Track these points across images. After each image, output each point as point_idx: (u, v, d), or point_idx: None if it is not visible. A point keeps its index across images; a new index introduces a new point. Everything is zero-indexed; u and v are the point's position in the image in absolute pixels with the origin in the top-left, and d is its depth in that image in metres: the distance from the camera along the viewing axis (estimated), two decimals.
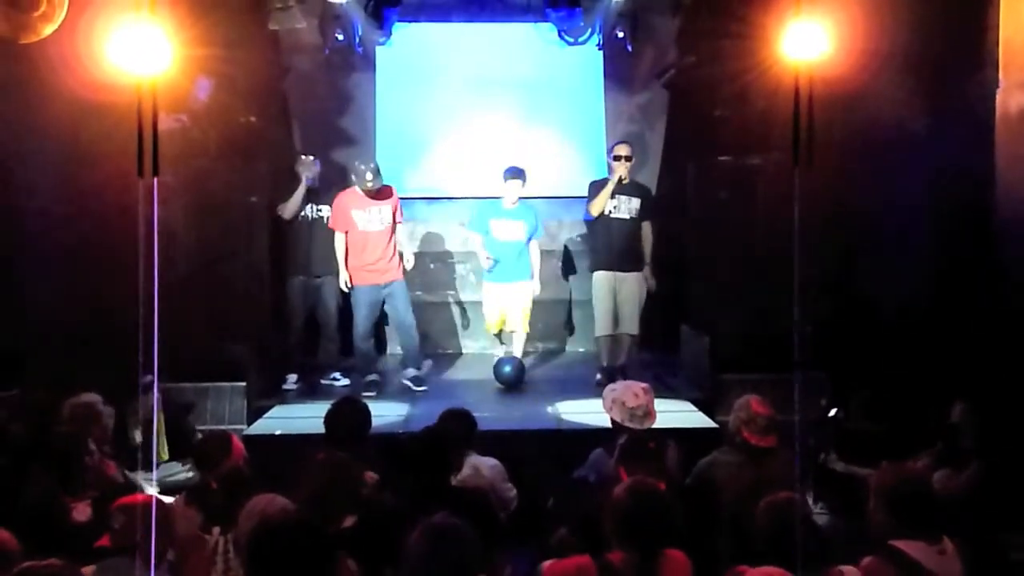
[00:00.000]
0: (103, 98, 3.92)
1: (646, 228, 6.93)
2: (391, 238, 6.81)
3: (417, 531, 2.61)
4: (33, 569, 2.59)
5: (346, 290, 6.86)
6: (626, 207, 6.83)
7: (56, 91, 5.02)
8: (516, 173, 7.00)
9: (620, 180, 6.73)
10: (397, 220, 6.85)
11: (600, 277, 6.92)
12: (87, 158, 5.54)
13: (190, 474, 4.70)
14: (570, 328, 8.71)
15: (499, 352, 7.29)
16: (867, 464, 4.83)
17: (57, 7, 4.26)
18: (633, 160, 6.85)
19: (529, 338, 7.43)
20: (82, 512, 3.34)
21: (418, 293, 8.13)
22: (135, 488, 3.92)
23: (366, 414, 4.48)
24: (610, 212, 6.82)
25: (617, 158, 6.78)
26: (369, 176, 6.63)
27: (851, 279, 6.35)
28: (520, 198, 7.07)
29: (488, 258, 7.01)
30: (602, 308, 6.88)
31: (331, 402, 4.55)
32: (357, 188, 6.77)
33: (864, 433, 5.10)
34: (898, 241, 5.92)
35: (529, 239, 7.12)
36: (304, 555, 2.70)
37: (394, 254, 6.84)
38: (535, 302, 7.20)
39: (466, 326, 8.69)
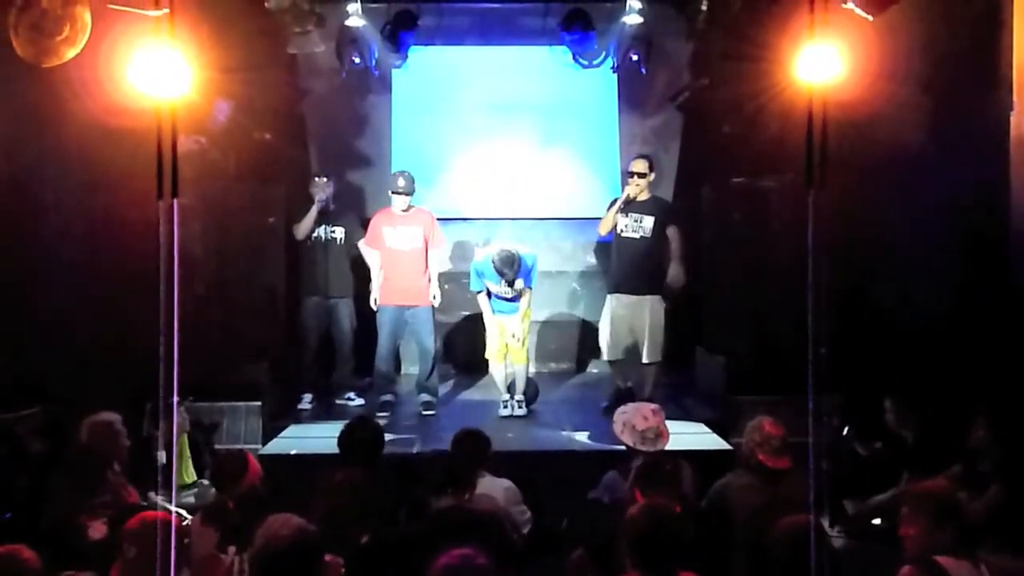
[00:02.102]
0: (124, 121, 3.97)
1: (672, 233, 6.63)
2: (421, 260, 6.84)
3: (436, 567, 2.60)
4: None
5: (374, 307, 6.90)
6: (637, 226, 6.63)
7: (78, 114, 5.11)
8: (511, 268, 6.44)
9: (628, 198, 6.60)
10: (432, 243, 6.89)
11: (610, 300, 6.80)
12: (107, 180, 5.62)
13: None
14: (584, 349, 8.69)
15: (504, 407, 6.80)
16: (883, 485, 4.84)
17: (80, 31, 4.32)
18: (649, 177, 6.66)
19: (541, 359, 7.36)
20: (97, 530, 3.36)
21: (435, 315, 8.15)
22: (154, 508, 3.95)
23: (379, 434, 4.50)
24: (621, 231, 6.68)
25: (629, 174, 6.68)
26: (401, 182, 6.75)
27: (866, 300, 6.33)
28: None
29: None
30: (608, 331, 6.72)
31: (345, 422, 4.57)
32: (392, 207, 6.86)
33: (880, 454, 5.08)
34: (913, 262, 5.91)
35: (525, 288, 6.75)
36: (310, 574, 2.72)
37: (423, 277, 6.86)
38: (546, 324, 7.05)
39: (482, 347, 8.69)
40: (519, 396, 6.82)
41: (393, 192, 6.84)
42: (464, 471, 3.98)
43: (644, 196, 6.67)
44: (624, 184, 6.84)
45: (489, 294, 6.79)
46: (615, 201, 6.75)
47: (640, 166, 6.67)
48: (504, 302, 6.80)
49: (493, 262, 6.49)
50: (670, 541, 2.90)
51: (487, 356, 6.95)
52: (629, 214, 6.65)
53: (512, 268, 6.45)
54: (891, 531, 3.94)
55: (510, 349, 6.79)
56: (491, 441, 4.42)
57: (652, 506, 3.06)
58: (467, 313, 8.72)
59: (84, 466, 4.20)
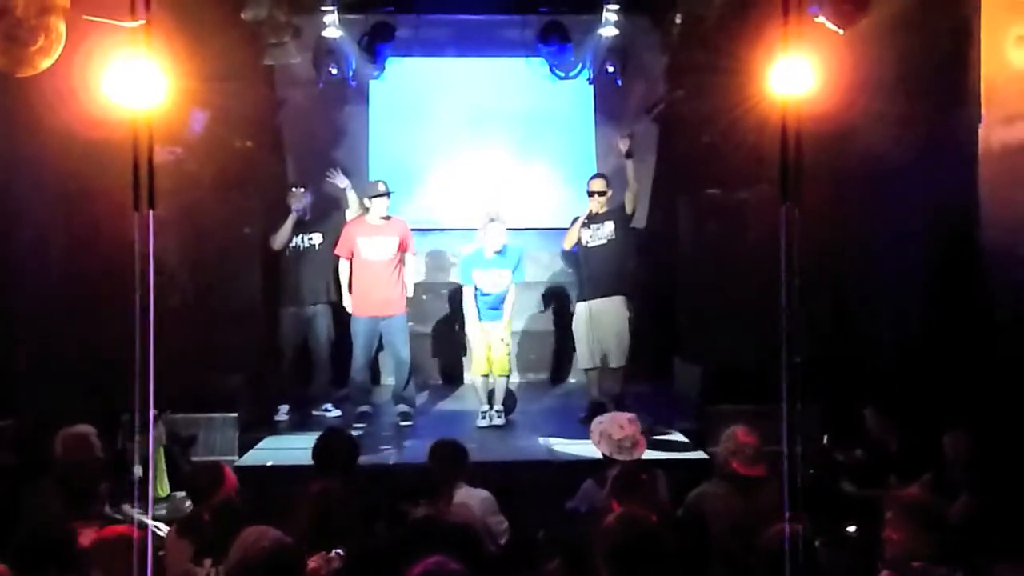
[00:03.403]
0: (99, 132, 3.95)
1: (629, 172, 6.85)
2: (395, 269, 6.85)
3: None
4: None
5: (350, 311, 6.89)
6: (598, 234, 6.88)
7: (52, 125, 5.07)
8: (493, 218, 6.80)
9: (590, 214, 6.86)
10: (407, 251, 6.92)
11: (580, 308, 6.98)
12: (83, 191, 5.59)
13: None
14: (560, 359, 8.71)
15: (483, 418, 6.80)
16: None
17: (54, 42, 4.28)
18: (607, 194, 6.90)
19: (520, 369, 7.39)
20: (88, 537, 3.34)
21: (411, 324, 8.14)
22: (128, 521, 3.92)
23: (354, 445, 4.49)
24: (587, 242, 6.92)
25: (590, 193, 6.91)
26: (382, 186, 6.80)
27: (840, 310, 6.40)
28: (504, 244, 6.82)
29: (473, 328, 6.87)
30: (583, 340, 6.89)
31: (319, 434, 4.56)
32: (366, 217, 6.87)
33: (854, 462, 5.13)
34: (886, 272, 5.97)
35: (512, 282, 6.87)
36: None
37: (397, 286, 6.87)
38: (525, 333, 7.12)
39: (458, 357, 8.70)
40: (498, 406, 6.84)
41: (374, 196, 6.82)
42: (441, 481, 3.99)
43: (604, 210, 6.92)
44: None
45: (475, 297, 6.84)
46: (577, 218, 6.99)
47: (599, 185, 6.94)
48: (489, 304, 6.83)
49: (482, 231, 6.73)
50: (646, 550, 2.92)
51: (471, 371, 6.99)
52: (591, 225, 6.91)
53: (497, 216, 6.71)
54: (866, 537, 3.99)
55: (493, 359, 6.81)
56: (468, 451, 4.43)
57: (628, 515, 3.08)
58: (444, 323, 8.75)
59: (75, 475, 4.19)
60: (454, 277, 8.76)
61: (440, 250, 8.90)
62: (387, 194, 6.86)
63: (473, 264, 6.88)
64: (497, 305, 6.88)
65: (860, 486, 4.93)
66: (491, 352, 6.82)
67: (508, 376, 6.94)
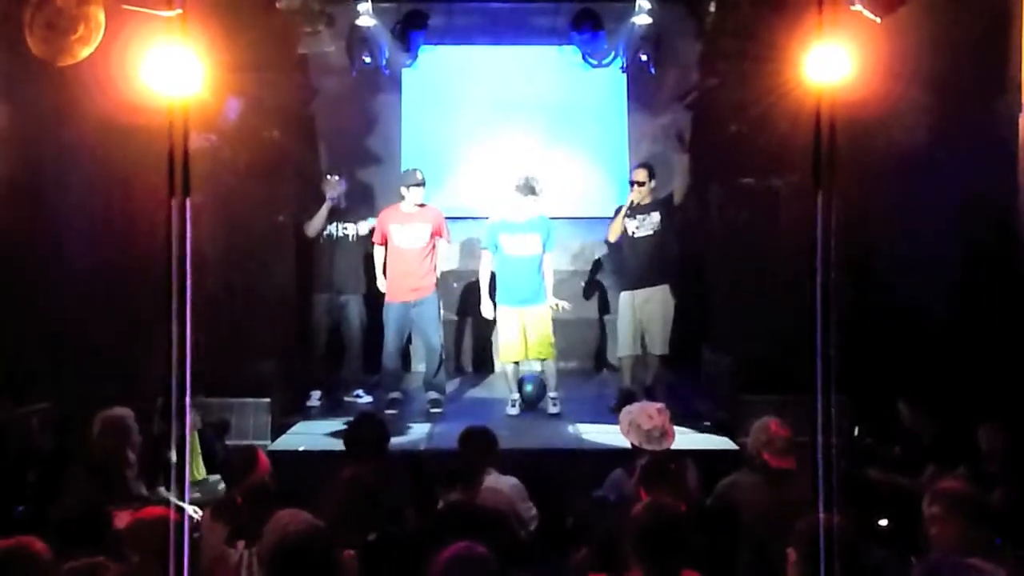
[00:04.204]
0: (137, 119, 4.01)
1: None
2: (428, 256, 6.88)
3: (439, 561, 2.63)
4: (77, 569, 2.66)
5: (385, 293, 6.92)
6: (645, 224, 6.86)
7: (91, 112, 5.15)
8: (527, 188, 6.69)
9: (632, 204, 6.84)
10: (440, 238, 6.94)
11: (624, 297, 6.98)
12: (120, 177, 5.67)
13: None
14: (592, 347, 8.71)
15: (513, 406, 6.84)
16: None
17: (94, 30, 4.35)
18: (650, 184, 6.88)
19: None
20: (123, 520, 3.41)
21: (442, 312, 8.18)
22: (164, 504, 3.98)
23: (384, 430, 4.53)
24: (633, 232, 6.90)
25: (631, 183, 6.91)
26: (419, 175, 6.79)
27: (875, 301, 6.33)
28: (537, 213, 6.79)
29: (491, 306, 6.83)
30: (625, 328, 6.90)
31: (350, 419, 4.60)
32: (400, 205, 6.89)
33: (887, 455, 5.09)
34: (921, 262, 5.90)
35: (543, 252, 6.78)
36: (322, 570, 2.74)
37: (428, 273, 6.90)
38: (555, 322, 7.05)
39: (489, 345, 8.72)
40: (553, 393, 6.85)
41: (409, 185, 6.83)
42: (471, 468, 4.01)
43: (647, 200, 6.89)
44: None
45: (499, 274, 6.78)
46: (620, 208, 6.96)
47: (641, 175, 6.92)
48: (517, 277, 6.70)
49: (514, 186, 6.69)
50: (674, 540, 2.92)
51: (500, 358, 6.96)
52: (636, 215, 6.87)
53: (536, 187, 6.65)
54: (900, 531, 3.96)
55: (531, 343, 6.69)
56: (498, 438, 4.45)
57: (657, 505, 3.08)
58: (475, 311, 8.77)
59: (109, 457, 4.26)
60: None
61: (472, 238, 8.91)
62: (421, 183, 6.86)
63: (501, 229, 6.79)
64: (529, 283, 6.74)
65: (893, 478, 4.90)
66: (527, 335, 6.71)
67: (553, 361, 6.85)
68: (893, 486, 4.82)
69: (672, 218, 6.92)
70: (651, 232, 6.86)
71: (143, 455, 4.66)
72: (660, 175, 7.06)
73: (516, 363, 6.86)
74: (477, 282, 7.03)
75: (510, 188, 6.84)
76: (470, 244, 8.89)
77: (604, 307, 8.60)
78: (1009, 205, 4.89)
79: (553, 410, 6.79)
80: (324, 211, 7.06)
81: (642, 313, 6.84)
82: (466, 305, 8.73)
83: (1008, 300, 4.94)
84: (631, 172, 7.03)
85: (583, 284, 8.73)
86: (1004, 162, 4.89)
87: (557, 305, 6.86)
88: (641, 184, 6.85)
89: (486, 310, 6.93)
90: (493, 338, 8.45)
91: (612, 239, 7.10)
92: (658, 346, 6.84)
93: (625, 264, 7.13)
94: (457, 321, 8.63)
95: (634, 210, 6.85)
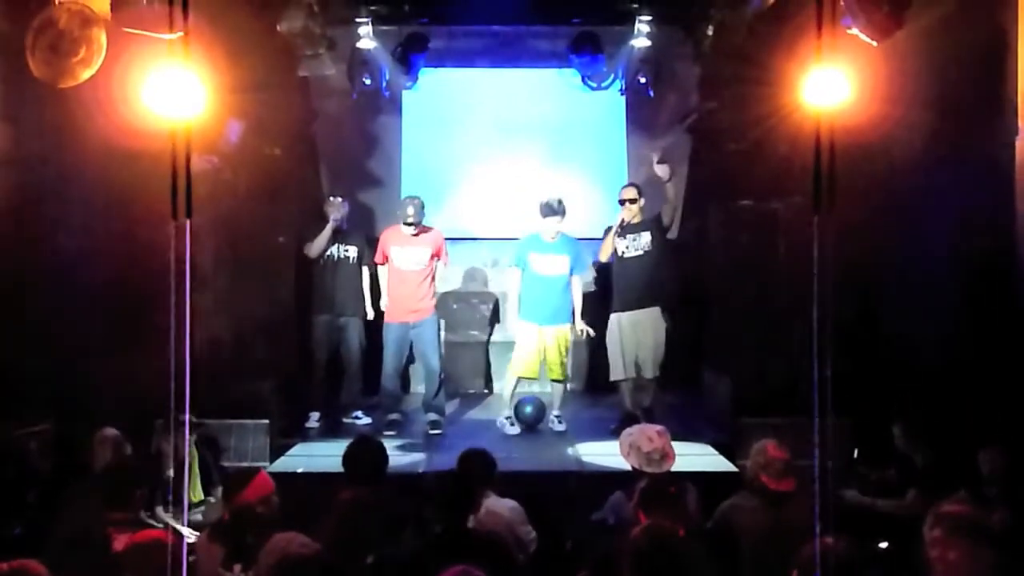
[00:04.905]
0: (138, 141, 4.02)
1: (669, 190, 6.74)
2: (427, 278, 6.88)
3: None
4: None
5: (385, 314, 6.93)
6: (635, 244, 6.75)
7: (92, 134, 5.17)
8: (550, 209, 6.71)
9: (623, 222, 6.72)
10: (440, 260, 6.92)
11: (613, 320, 6.84)
12: (122, 199, 5.69)
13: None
14: (591, 369, 8.69)
15: (512, 429, 6.86)
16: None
17: (96, 53, 4.37)
18: (639, 202, 6.75)
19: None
20: (121, 542, 3.39)
21: (442, 333, 8.18)
22: (162, 526, 3.97)
23: (382, 453, 4.51)
24: (623, 253, 6.79)
25: (621, 202, 6.79)
26: (411, 211, 6.74)
27: (873, 324, 6.33)
28: (562, 233, 6.82)
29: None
30: (615, 352, 6.78)
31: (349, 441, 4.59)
32: (401, 226, 6.88)
33: (882, 478, 5.07)
34: (919, 285, 5.91)
35: (571, 274, 6.84)
36: None
37: (428, 295, 6.90)
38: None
39: (489, 367, 8.72)
40: (556, 411, 6.90)
41: (404, 223, 6.81)
42: (469, 491, 3.99)
43: (638, 219, 6.79)
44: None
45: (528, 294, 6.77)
46: (610, 228, 6.87)
47: (630, 193, 6.82)
48: (545, 296, 6.73)
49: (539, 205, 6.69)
50: (673, 563, 2.91)
51: (511, 370, 6.90)
52: (626, 235, 6.77)
53: (557, 207, 6.65)
54: (899, 554, 3.94)
55: (550, 362, 6.76)
56: (497, 461, 4.44)
57: (655, 528, 3.07)
58: (475, 333, 8.77)
59: (106, 479, 4.24)
60: (486, 287, 8.83)
61: (472, 260, 8.93)
62: (414, 223, 6.76)
63: (530, 247, 6.82)
64: (554, 302, 6.78)
65: (873, 502, 4.90)
66: (546, 354, 6.77)
67: (564, 382, 6.91)
68: (872, 509, 4.83)
69: (662, 238, 6.77)
70: (641, 252, 6.73)
71: (141, 477, 4.64)
72: (655, 196, 6.97)
73: (518, 379, 6.86)
74: (478, 303, 7.03)
75: (534, 209, 6.85)
76: (471, 266, 8.93)
77: (602, 328, 8.58)
78: (1007, 228, 4.90)
79: (558, 428, 6.84)
80: (327, 232, 7.07)
81: (632, 336, 6.73)
82: (466, 327, 8.73)
83: (1007, 323, 4.94)
84: (621, 191, 6.90)
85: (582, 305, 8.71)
86: (1002, 186, 4.91)
87: (583, 331, 6.84)
88: (632, 202, 6.73)
89: (513, 327, 6.97)
90: (483, 359, 8.48)
91: (604, 259, 7.00)
92: (649, 369, 6.73)
93: (614, 285, 6.99)
94: (457, 343, 8.63)
95: (624, 229, 6.74)
